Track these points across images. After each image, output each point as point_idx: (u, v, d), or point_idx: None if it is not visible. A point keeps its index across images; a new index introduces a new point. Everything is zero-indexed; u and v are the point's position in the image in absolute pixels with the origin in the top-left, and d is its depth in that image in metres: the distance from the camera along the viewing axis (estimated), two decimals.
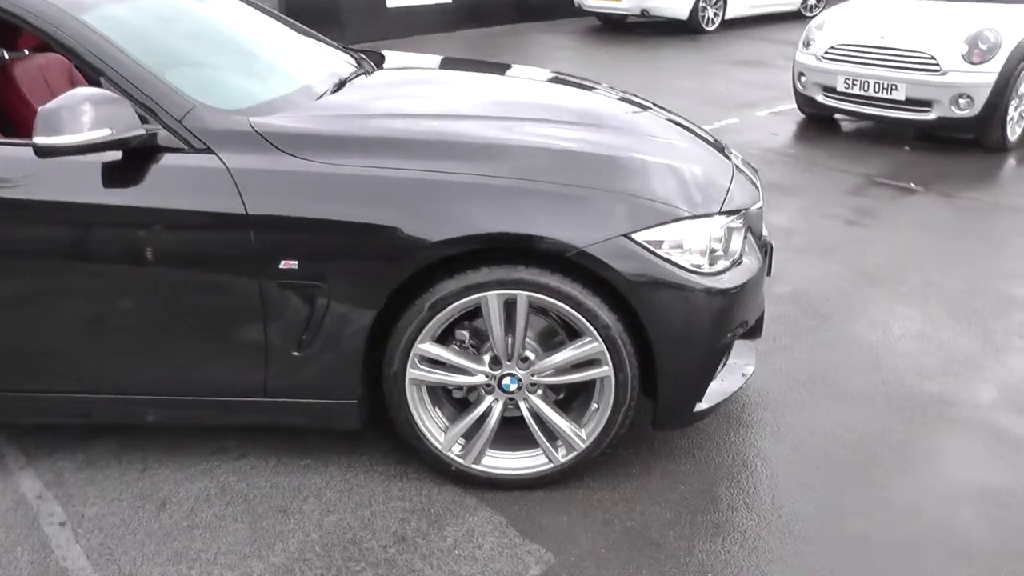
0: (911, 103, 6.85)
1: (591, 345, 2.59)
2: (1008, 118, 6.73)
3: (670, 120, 3.48)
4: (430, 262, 2.51)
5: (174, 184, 2.52)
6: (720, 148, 3.33)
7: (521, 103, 3.33)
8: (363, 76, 3.44)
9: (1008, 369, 3.65)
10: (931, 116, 6.81)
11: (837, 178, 6.35)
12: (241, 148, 2.53)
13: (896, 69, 6.86)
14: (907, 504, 2.79)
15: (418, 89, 3.42)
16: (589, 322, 2.56)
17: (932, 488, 2.87)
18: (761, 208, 3.08)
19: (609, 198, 2.56)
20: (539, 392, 2.73)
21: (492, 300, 2.55)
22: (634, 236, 2.52)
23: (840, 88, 7.21)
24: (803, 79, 7.55)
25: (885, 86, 6.92)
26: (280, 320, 2.59)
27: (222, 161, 2.50)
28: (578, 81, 3.94)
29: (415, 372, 2.65)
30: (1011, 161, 6.83)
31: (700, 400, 2.76)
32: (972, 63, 6.58)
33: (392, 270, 2.51)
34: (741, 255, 2.75)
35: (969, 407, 3.35)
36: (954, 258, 4.85)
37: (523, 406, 2.73)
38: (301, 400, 2.73)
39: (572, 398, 2.86)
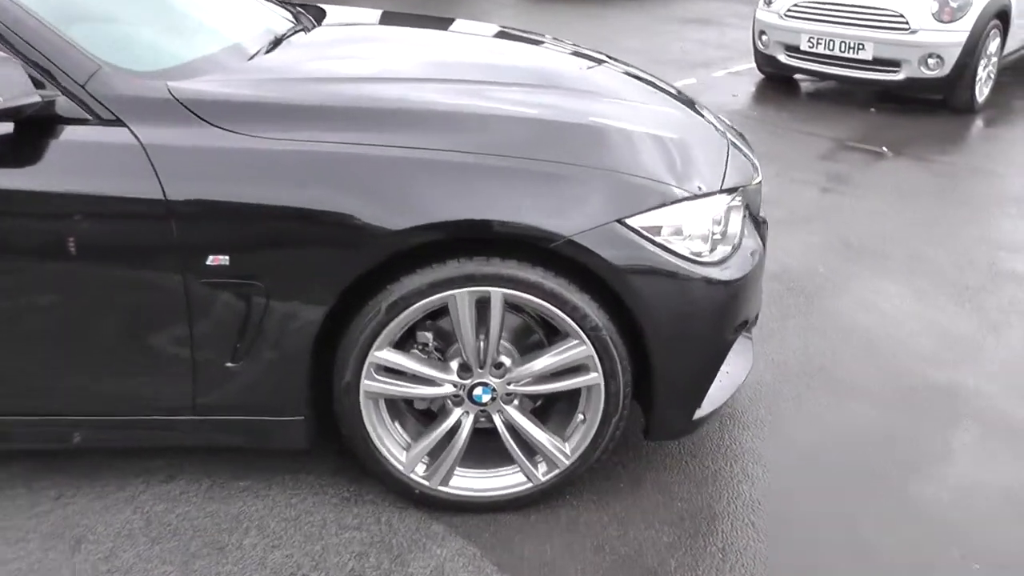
0: (879, 63, 6.57)
1: (578, 349, 2.22)
2: (977, 79, 6.50)
3: (630, 75, 3.09)
4: (387, 256, 2.10)
5: (77, 163, 2.06)
6: (690, 104, 2.95)
7: (475, 63, 2.90)
8: (301, 33, 2.98)
9: (1011, 350, 3.38)
10: (899, 76, 6.54)
11: (806, 142, 6.04)
12: (157, 119, 2.08)
13: (863, 28, 6.56)
14: (928, 512, 2.49)
15: (363, 48, 2.97)
16: (576, 322, 2.18)
17: (954, 492, 2.57)
18: (760, 183, 2.72)
19: (596, 177, 2.17)
20: (515, 402, 2.35)
21: (462, 299, 2.15)
22: (628, 222, 2.14)
23: (804, 47, 6.90)
24: (764, 38, 7.22)
25: (852, 45, 6.62)
26: (209, 326, 2.16)
27: (134, 135, 2.05)
28: (526, 35, 3.52)
29: (371, 384, 2.25)
30: (979, 123, 6.61)
31: (699, 406, 2.41)
32: (942, 21, 6.31)
33: (342, 266, 2.10)
34: (740, 239, 2.39)
35: (977, 397, 3.07)
36: (936, 227, 4.57)
37: (497, 419, 2.35)
38: (237, 418, 2.31)
39: (550, 405, 2.49)
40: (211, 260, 2.08)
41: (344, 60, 2.75)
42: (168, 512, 2.46)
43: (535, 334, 2.39)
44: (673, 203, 2.21)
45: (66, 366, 2.22)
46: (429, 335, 2.32)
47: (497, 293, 2.14)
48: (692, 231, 2.25)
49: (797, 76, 7.50)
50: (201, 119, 2.09)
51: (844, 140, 6.09)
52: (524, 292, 2.14)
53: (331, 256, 2.09)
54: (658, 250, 2.16)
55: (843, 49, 6.66)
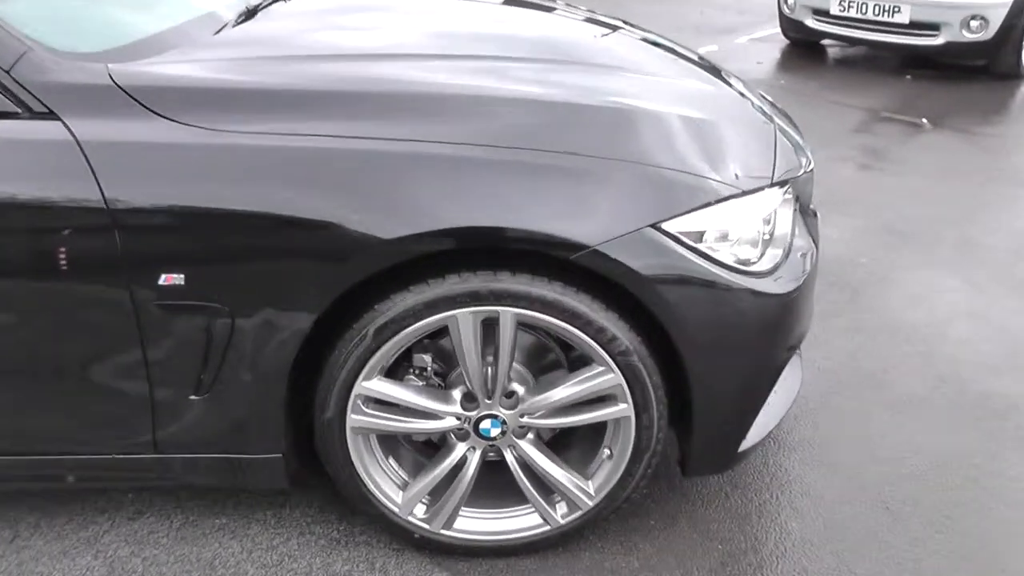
0: (916, 26, 6.14)
1: (604, 377, 1.87)
2: None
3: (651, 42, 2.71)
4: (374, 271, 1.75)
5: (2, 164, 1.71)
6: (721, 76, 2.56)
7: (480, 34, 2.52)
8: (281, 1, 2.61)
9: None
10: (938, 41, 6.10)
11: (838, 113, 5.64)
12: (96, 110, 1.73)
13: None
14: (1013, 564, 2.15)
15: (353, 18, 2.59)
16: (602, 346, 1.83)
17: None
18: (812, 171, 2.34)
19: (625, 172, 1.81)
20: (530, 436, 2.00)
21: (464, 321, 1.80)
22: (665, 226, 1.78)
23: (834, 11, 6.46)
24: (790, 1, 6.77)
25: (886, 8, 6.18)
26: (166, 354, 1.83)
27: (69, 130, 1.70)
28: (535, 1, 3.13)
29: (358, 419, 1.91)
30: None
31: (744, 437, 2.06)
32: None
33: (320, 284, 1.75)
34: (792, 240, 2.02)
35: None
36: (989, 209, 4.19)
37: (509, 455, 2.01)
38: (206, 456, 1.98)
39: (571, 433, 2.15)
40: (163, 279, 1.74)
41: (330, 33, 2.38)
42: (133, 556, 2.14)
43: (551, 353, 2.04)
44: (717, 202, 1.85)
45: (7, 401, 1.89)
46: (427, 357, 1.97)
47: (507, 314, 1.79)
48: (739, 235, 1.89)
49: (825, 42, 7.05)
50: (148, 109, 1.73)
51: (879, 111, 5.67)
52: (539, 312, 1.79)
53: (307, 273, 1.75)
54: (700, 260, 1.81)
55: (877, 12, 6.23)
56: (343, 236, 1.70)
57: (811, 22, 6.68)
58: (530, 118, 1.87)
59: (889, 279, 3.52)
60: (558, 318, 1.80)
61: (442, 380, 2.01)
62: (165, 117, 1.73)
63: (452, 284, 1.77)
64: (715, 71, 2.59)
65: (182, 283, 1.74)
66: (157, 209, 1.71)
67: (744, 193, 1.89)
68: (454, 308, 1.78)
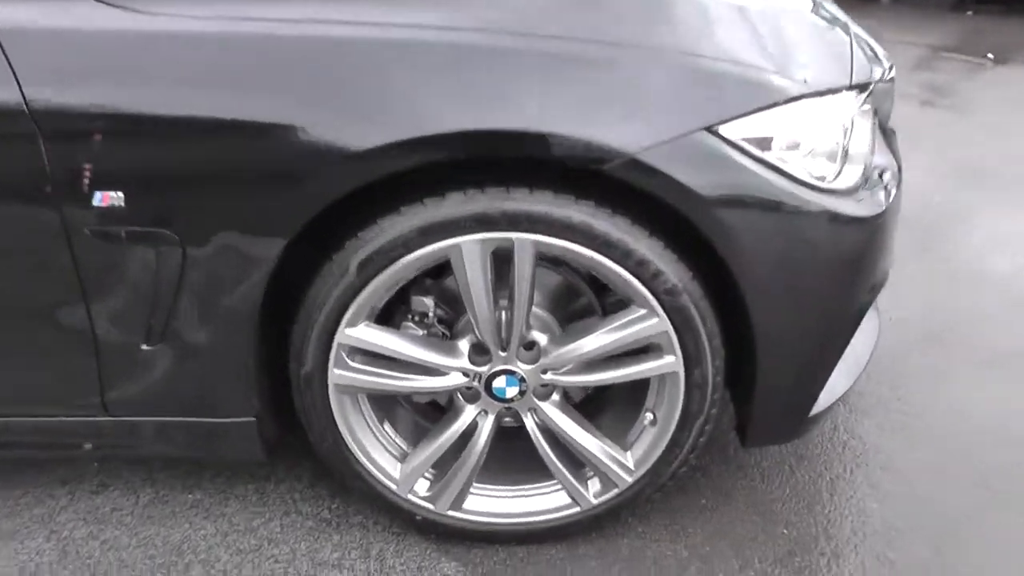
0: None
1: (648, 322, 1.49)
2: None
3: None
4: (358, 187, 1.38)
5: None
6: None
7: None
8: None
9: None
10: None
11: (895, 51, 5.09)
12: None
13: None
14: None
15: None
16: (644, 283, 1.45)
17: None
18: (892, 83, 1.94)
19: (668, 64, 1.41)
20: (555, 397, 1.64)
21: (470, 251, 1.43)
22: (721, 130, 1.39)
23: None
24: None
25: None
26: (108, 294, 1.48)
27: None
28: None
29: (342, 374, 1.55)
30: None
31: (816, 400, 1.68)
32: None
33: (289, 203, 1.39)
34: (871, 157, 1.62)
35: None
36: None
37: (529, 420, 1.64)
38: (165, 419, 1.64)
39: (602, 395, 1.78)
40: (99, 199, 1.38)
41: None
42: (91, 538, 1.82)
43: (582, 297, 1.67)
44: (786, 102, 1.46)
45: None
46: (428, 301, 1.61)
47: (524, 242, 1.42)
48: (813, 145, 1.49)
49: None
50: None
51: (939, 48, 5.19)
52: (565, 239, 1.42)
53: (270, 190, 1.38)
54: (768, 172, 1.42)
55: None
56: (312, 144, 1.34)
57: None
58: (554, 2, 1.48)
59: (967, 221, 3.10)
60: (588, 247, 1.42)
61: (447, 329, 1.65)
62: None
63: (454, 205, 1.40)
64: None
65: (122, 203, 1.38)
66: (87, 111, 1.36)
67: (817, 94, 1.50)
68: (457, 235, 1.41)
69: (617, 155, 1.34)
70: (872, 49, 1.89)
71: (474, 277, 1.45)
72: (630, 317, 1.50)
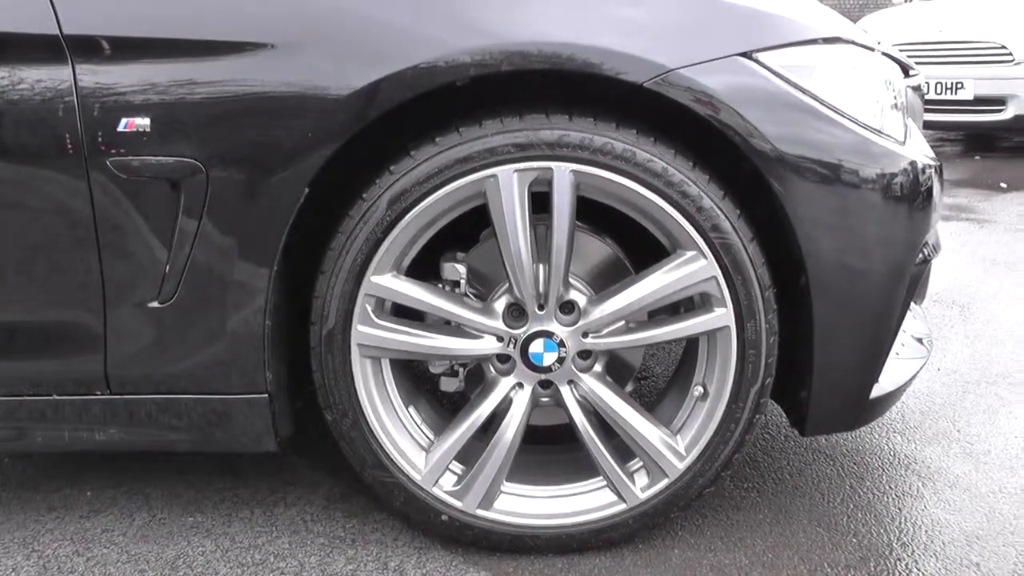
0: (981, 102, 5.80)
1: (694, 266, 1.40)
2: None
3: None
4: (385, 112, 1.33)
5: None
6: None
7: None
8: None
9: None
10: (1006, 115, 5.75)
11: None
12: None
13: (961, 64, 5.83)
14: None
15: None
16: (689, 220, 1.37)
17: None
18: (920, 90, 1.93)
19: None
20: (597, 368, 1.51)
21: (507, 182, 1.36)
22: (761, 57, 1.36)
23: None
24: None
25: (948, 85, 5.87)
26: (123, 237, 1.40)
27: None
28: None
29: (368, 331, 1.43)
30: None
31: (877, 379, 1.54)
32: None
33: (317, 129, 1.33)
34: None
35: None
36: None
37: (568, 396, 1.50)
38: (171, 397, 1.50)
39: (642, 380, 1.65)
40: (125, 125, 1.33)
41: None
42: (76, 555, 1.64)
43: (624, 272, 1.57)
44: (826, 42, 1.43)
45: None
46: (461, 268, 1.52)
47: (563, 171, 1.35)
48: (860, 88, 1.45)
49: None
50: None
51: (954, 182, 5.26)
52: (605, 169, 1.35)
53: (292, 113, 1.33)
54: (821, 107, 1.37)
55: (939, 91, 5.92)
56: (337, 68, 1.30)
57: None
58: None
59: (1000, 299, 3.01)
60: (629, 178, 1.35)
61: (477, 296, 1.55)
62: None
63: (490, 131, 1.34)
64: None
65: (147, 129, 1.33)
66: (121, 36, 1.34)
67: (858, 44, 1.48)
68: (492, 165, 1.34)
69: (661, 69, 1.30)
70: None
71: (512, 213, 1.37)
72: (675, 262, 1.40)
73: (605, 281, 1.54)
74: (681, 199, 1.35)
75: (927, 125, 6.23)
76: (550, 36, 1.31)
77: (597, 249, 1.57)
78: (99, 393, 1.50)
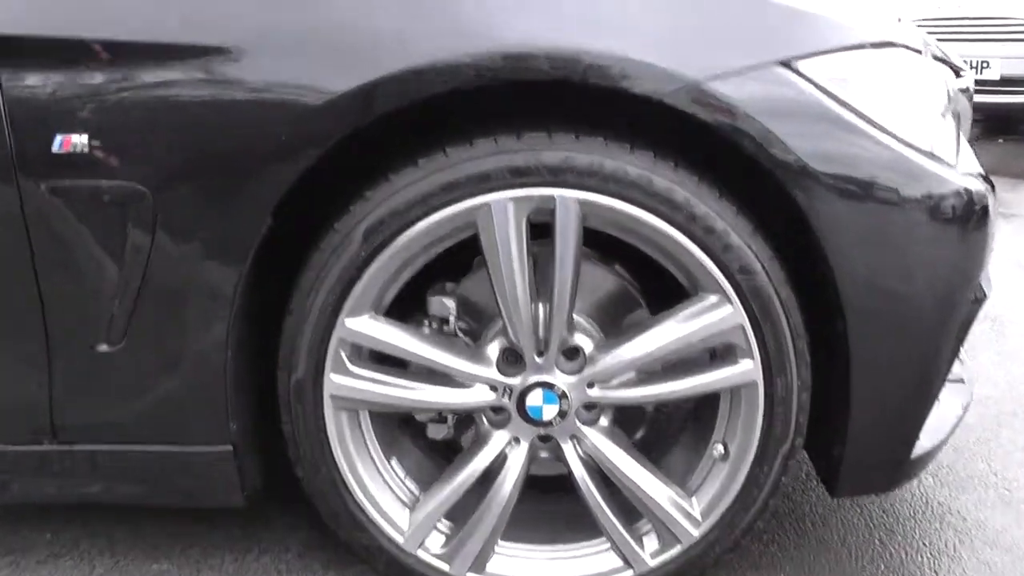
0: (1007, 83, 5.56)
1: (718, 312, 1.21)
2: None
3: None
4: (360, 126, 1.14)
5: None
6: None
7: None
8: None
9: None
10: None
11: None
12: None
13: (987, 42, 5.58)
14: None
15: None
16: (714, 259, 1.18)
17: None
18: (970, 92, 1.73)
19: None
20: (603, 422, 1.33)
21: (501, 212, 1.17)
22: (801, 66, 1.16)
23: None
24: None
25: (974, 64, 5.62)
26: (64, 271, 1.22)
27: None
28: None
29: (342, 380, 1.25)
30: None
31: (918, 435, 1.36)
32: None
33: (279, 150, 1.14)
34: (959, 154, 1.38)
35: None
36: None
37: (570, 452, 1.32)
38: (123, 449, 1.33)
39: (655, 425, 1.47)
40: (59, 144, 1.15)
41: None
42: None
43: (633, 304, 1.39)
44: (874, 47, 1.23)
45: None
46: (450, 303, 1.33)
47: (568, 201, 1.16)
48: (911, 105, 1.25)
49: None
50: None
51: None
52: (617, 198, 1.16)
53: (256, 131, 1.14)
54: (864, 124, 1.18)
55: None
56: (300, 75, 1.11)
57: None
58: None
59: None
60: (645, 209, 1.16)
61: (469, 333, 1.36)
62: None
63: (484, 153, 1.15)
64: None
65: (85, 149, 1.15)
66: (45, 34, 1.15)
67: (910, 48, 1.28)
68: (485, 191, 1.15)
69: (681, 80, 1.11)
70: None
71: (505, 248, 1.18)
72: (696, 306, 1.22)
73: (614, 316, 1.36)
74: (705, 235, 1.16)
75: None
76: (551, 38, 1.11)
77: (604, 278, 1.37)
78: (45, 442, 1.32)
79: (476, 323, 1.36)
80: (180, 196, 1.16)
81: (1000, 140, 5.88)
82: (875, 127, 1.18)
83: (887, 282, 1.21)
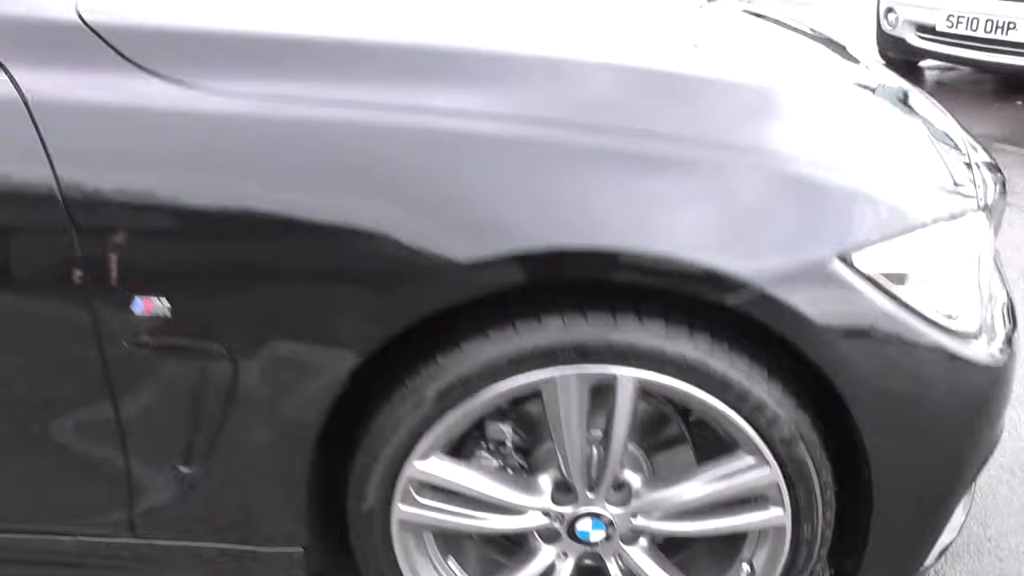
0: None
1: (756, 473, 1.32)
2: None
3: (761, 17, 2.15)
4: (439, 309, 1.22)
5: None
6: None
7: None
8: None
9: None
10: None
11: None
12: (53, 56, 1.23)
13: (1012, 1, 5.49)
14: None
15: None
16: (758, 430, 1.28)
17: None
18: (1004, 191, 1.79)
19: (794, 175, 1.26)
20: (644, 543, 1.45)
21: (567, 386, 1.27)
22: (855, 259, 1.24)
23: (940, 27, 5.83)
24: (891, 16, 6.17)
25: (1000, 24, 5.54)
26: (144, 410, 1.32)
27: (13, 82, 1.21)
28: None
29: (409, 511, 1.37)
30: None
31: (932, 550, 1.49)
32: None
33: (358, 323, 1.23)
34: (990, 289, 1.46)
35: None
36: None
37: (612, 566, 1.46)
38: (201, 545, 1.46)
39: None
40: (140, 305, 1.23)
41: None
42: None
43: (669, 424, 1.49)
44: (922, 228, 1.30)
45: None
46: (506, 428, 1.43)
47: (628, 380, 1.26)
48: (943, 278, 1.33)
49: (924, 63, 6.45)
50: (127, 59, 1.23)
51: (991, 138, 5.04)
52: (674, 378, 1.25)
53: (341, 306, 1.23)
54: (905, 313, 1.26)
55: (989, 29, 5.60)
56: (390, 255, 1.19)
57: (914, 39, 6.06)
58: (641, 91, 1.32)
59: None
60: (700, 387, 1.26)
61: (524, 457, 1.47)
62: (148, 71, 1.22)
63: (552, 331, 1.24)
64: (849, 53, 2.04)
65: (167, 313, 1.23)
66: (133, 202, 1.21)
67: (952, 217, 1.35)
68: (552, 367, 1.25)
69: (746, 288, 1.19)
70: (987, 160, 1.75)
71: (567, 414, 1.28)
72: (737, 466, 1.33)
73: (656, 441, 1.47)
74: (752, 412, 1.27)
75: (974, 65, 5.97)
76: (625, 240, 1.18)
77: (655, 415, 1.48)
78: (123, 536, 1.45)
79: (529, 438, 1.47)
80: (262, 358, 1.25)
81: (1019, 103, 5.85)
82: (919, 318, 1.26)
83: (915, 446, 1.32)
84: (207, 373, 1.27)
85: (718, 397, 1.26)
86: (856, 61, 1.92)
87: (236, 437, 1.32)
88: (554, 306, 1.25)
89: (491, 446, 1.45)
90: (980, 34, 5.65)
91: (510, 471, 1.44)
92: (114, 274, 1.22)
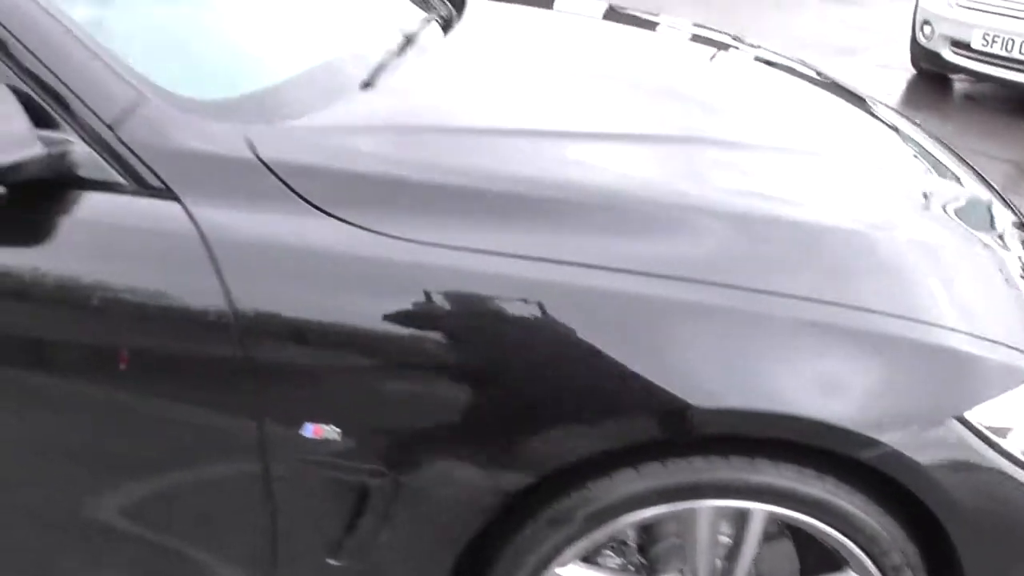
0: None
1: None
2: None
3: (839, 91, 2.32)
4: (596, 452, 1.35)
5: (94, 252, 1.32)
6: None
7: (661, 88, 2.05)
8: (439, 32, 2.15)
9: None
10: None
11: (979, 165, 5.12)
12: (230, 192, 1.32)
13: None
14: None
15: (551, 65, 2.07)
16: (872, 558, 1.42)
17: None
18: None
19: (925, 338, 1.38)
20: None
21: (704, 517, 1.40)
22: (968, 416, 1.37)
23: (975, 44, 5.90)
24: (927, 29, 6.22)
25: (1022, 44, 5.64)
26: (300, 519, 1.45)
27: (191, 217, 1.29)
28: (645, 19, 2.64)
29: None
30: None
31: None
32: None
33: (521, 460, 1.36)
34: None
35: None
36: None
37: None
38: None
39: None
40: (311, 430, 1.34)
41: (524, 87, 1.90)
42: None
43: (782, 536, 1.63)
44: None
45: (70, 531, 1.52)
46: (630, 531, 1.57)
47: (760, 512, 1.39)
48: None
49: (954, 76, 6.51)
50: (302, 199, 1.32)
51: (1018, 164, 5.16)
52: (801, 512, 1.39)
53: (507, 444, 1.35)
54: (1009, 464, 1.40)
55: None
56: (556, 413, 1.34)
57: (948, 54, 6.12)
58: (789, 248, 1.45)
59: None
60: (822, 521, 1.39)
61: (642, 555, 1.61)
62: (323, 211, 1.32)
63: (697, 470, 1.37)
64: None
65: (336, 437, 1.34)
66: (313, 340, 1.32)
67: None
68: (695, 499, 1.38)
69: (879, 446, 1.31)
70: None
71: (703, 539, 1.42)
72: None
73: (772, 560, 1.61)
74: (867, 543, 1.40)
75: (998, 82, 6.02)
76: (782, 404, 1.31)
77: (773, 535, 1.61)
78: None
79: (647, 536, 1.60)
80: (423, 479, 1.37)
81: None
82: (1016, 464, 1.39)
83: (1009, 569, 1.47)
84: (368, 487, 1.39)
85: (837, 529, 1.40)
86: (885, 123, 2.15)
87: (384, 545, 1.44)
88: (697, 449, 1.38)
89: (614, 545, 1.58)
90: (1015, 55, 5.73)
91: (631, 567, 1.58)
92: (285, 398, 1.33)
